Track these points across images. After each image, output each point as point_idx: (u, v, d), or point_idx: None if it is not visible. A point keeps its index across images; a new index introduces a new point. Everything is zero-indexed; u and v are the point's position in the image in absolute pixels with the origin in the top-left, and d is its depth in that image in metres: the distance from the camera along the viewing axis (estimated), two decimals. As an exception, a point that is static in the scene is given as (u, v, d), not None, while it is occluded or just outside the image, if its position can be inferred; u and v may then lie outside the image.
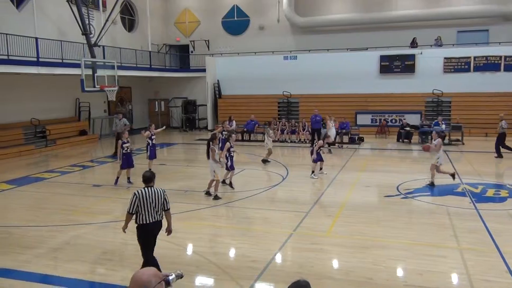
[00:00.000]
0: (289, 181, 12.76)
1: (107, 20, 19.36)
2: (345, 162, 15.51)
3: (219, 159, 11.11)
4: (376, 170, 14.32)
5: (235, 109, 24.99)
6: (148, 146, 13.51)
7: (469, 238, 7.76)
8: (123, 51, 22.69)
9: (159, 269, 5.98)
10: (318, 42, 26.30)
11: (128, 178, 12.47)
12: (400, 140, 20.37)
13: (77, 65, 17.26)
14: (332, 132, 18.04)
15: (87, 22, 18.39)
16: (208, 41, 29.19)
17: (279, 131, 21.39)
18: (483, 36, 24.44)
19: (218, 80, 27.32)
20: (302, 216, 9.09)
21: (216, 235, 8.19)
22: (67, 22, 19.91)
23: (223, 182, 11.63)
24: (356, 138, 20.63)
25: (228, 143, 11.45)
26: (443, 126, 19.40)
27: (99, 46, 19.52)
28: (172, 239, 7.85)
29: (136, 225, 5.92)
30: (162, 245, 7.61)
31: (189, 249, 7.62)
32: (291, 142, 20.98)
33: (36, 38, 17.56)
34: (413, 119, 21.63)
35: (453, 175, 11.59)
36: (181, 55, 30.14)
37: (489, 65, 22.61)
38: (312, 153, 13.36)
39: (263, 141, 19.53)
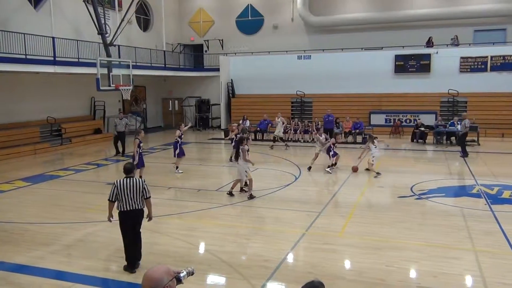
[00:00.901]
0: (301, 180, 12.72)
1: (122, 20, 19.51)
2: (358, 163, 15.37)
3: None
4: (390, 171, 14.17)
5: (248, 108, 25.01)
6: (178, 145, 13.70)
7: (484, 240, 7.64)
8: (138, 50, 22.88)
9: (135, 258, 6.38)
10: (333, 41, 26.18)
11: (140, 177, 12.54)
12: (415, 141, 20.15)
13: (93, 64, 17.45)
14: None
15: (103, 21, 18.56)
16: (222, 40, 29.27)
17: (292, 130, 21.35)
18: (500, 35, 24.07)
19: (231, 80, 27.37)
20: (315, 216, 9.05)
21: (228, 234, 8.20)
22: (83, 22, 20.14)
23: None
24: (370, 138, 20.44)
25: (246, 146, 11.16)
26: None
27: (114, 45, 19.69)
28: (184, 238, 7.92)
29: (118, 211, 6.43)
30: (175, 243, 7.68)
31: (201, 248, 7.64)
32: (304, 142, 20.91)
33: (53, 38, 17.81)
34: (428, 119, 21.38)
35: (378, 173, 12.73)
36: (195, 55, 30.27)
37: (506, 64, 22.24)
38: (327, 152, 13.53)
39: (276, 140, 19.58)
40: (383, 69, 23.98)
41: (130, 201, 6.34)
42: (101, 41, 18.63)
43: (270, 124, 22.17)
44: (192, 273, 2.76)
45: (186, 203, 10.37)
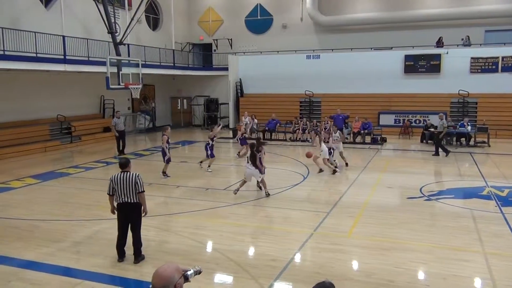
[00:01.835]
0: (310, 180, 12.70)
1: (132, 19, 19.61)
2: (367, 163, 15.34)
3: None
4: (399, 171, 14.12)
5: (256, 107, 24.99)
6: (208, 146, 13.79)
7: (495, 242, 7.57)
8: (147, 49, 22.98)
9: (123, 250, 6.63)
10: (342, 41, 26.09)
11: (164, 172, 12.86)
12: (424, 141, 20.02)
13: (103, 63, 17.55)
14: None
15: (112, 20, 18.67)
16: (231, 40, 29.29)
17: (300, 130, 21.32)
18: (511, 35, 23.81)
19: (240, 79, 27.39)
20: (323, 216, 9.03)
21: (236, 233, 8.21)
22: (93, 21, 20.27)
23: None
24: (379, 138, 20.37)
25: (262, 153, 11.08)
26: (469, 128, 19.01)
27: (124, 44, 19.80)
28: (193, 236, 7.94)
29: (115, 204, 6.80)
30: (184, 241, 7.71)
31: (210, 246, 7.66)
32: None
33: (63, 37, 17.95)
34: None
35: (334, 171, 13.12)
36: (204, 54, 30.33)
37: (518, 65, 22.01)
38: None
39: (284, 140, 19.54)
40: (392, 69, 23.85)
41: (122, 195, 6.62)
42: (111, 40, 18.74)
43: (278, 124, 22.17)
44: (200, 272, 2.79)
45: (195, 202, 10.40)
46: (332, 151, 13.75)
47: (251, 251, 7.44)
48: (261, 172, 10.71)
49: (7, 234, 8.13)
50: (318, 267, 6.58)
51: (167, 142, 12.73)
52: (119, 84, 17.05)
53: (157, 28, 28.03)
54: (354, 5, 26.60)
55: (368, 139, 20.34)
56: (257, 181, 10.99)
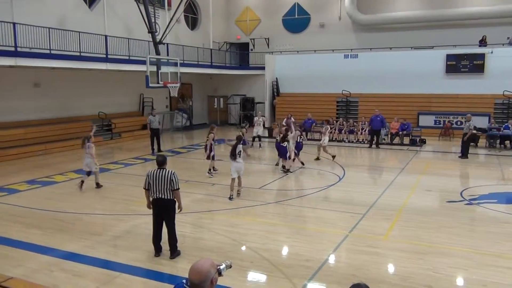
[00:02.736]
0: (345, 181, 12.54)
1: (171, 19, 19.97)
2: (405, 165, 15.00)
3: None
4: (438, 174, 13.72)
5: (292, 107, 24.89)
6: (280, 145, 14.10)
7: (540, 250, 7.24)
8: (185, 48, 23.35)
9: (159, 245, 6.77)
10: (381, 40, 25.63)
11: (213, 168, 13.31)
12: (466, 144, 19.34)
13: (143, 62, 17.98)
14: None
15: (153, 20, 19.08)
16: (268, 39, 29.33)
17: (337, 130, 21.10)
18: (561, 34, 22.68)
19: (276, 78, 27.37)
20: (358, 218, 8.91)
21: (270, 232, 8.22)
22: (135, 21, 20.78)
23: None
24: (418, 140, 19.86)
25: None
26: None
27: (163, 43, 20.21)
28: (227, 234, 8.01)
29: (151, 199, 6.94)
30: (218, 239, 7.79)
31: (244, 245, 7.70)
32: (349, 142, 20.60)
33: (106, 36, 18.50)
34: (481, 122, 20.46)
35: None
36: (241, 53, 30.50)
37: None
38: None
39: (320, 139, 19.37)
40: (433, 69, 23.20)
41: (157, 191, 6.75)
42: (150, 40, 19.17)
43: (314, 124, 22.01)
44: (230, 266, 2.87)
45: (229, 200, 10.47)
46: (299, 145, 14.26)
47: (285, 250, 7.44)
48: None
49: (50, 226, 8.47)
50: (353, 269, 6.50)
51: (213, 140, 13.06)
52: (158, 83, 17.41)
53: (195, 27, 28.43)
54: (393, 3, 26.04)
55: (406, 140, 19.87)
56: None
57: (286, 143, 13.33)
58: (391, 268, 6.65)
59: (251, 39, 29.90)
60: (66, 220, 8.87)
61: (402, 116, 20.87)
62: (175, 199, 6.86)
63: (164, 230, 6.95)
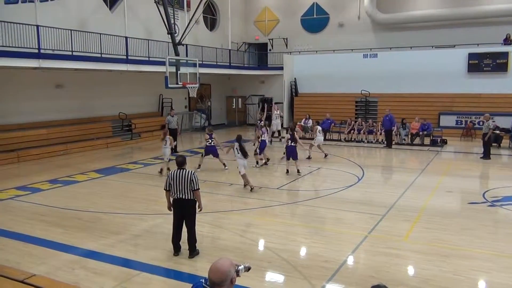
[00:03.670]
0: (364, 182, 12.42)
1: (190, 20, 20.11)
2: (425, 165, 14.79)
3: None
4: (460, 175, 13.48)
5: (311, 107, 24.81)
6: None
7: None
8: (204, 49, 23.49)
9: (178, 244, 6.85)
10: (401, 39, 25.32)
11: (262, 160, 14.62)
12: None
13: (162, 63, 18.16)
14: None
15: (172, 22, 19.24)
16: (286, 39, 29.27)
17: (356, 130, 20.92)
18: None
19: (295, 78, 27.30)
20: (378, 219, 8.81)
21: (289, 232, 8.20)
22: (154, 22, 21.01)
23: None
24: (439, 140, 19.55)
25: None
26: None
27: (182, 44, 20.37)
28: (245, 234, 8.03)
29: (171, 199, 7.04)
30: (236, 239, 7.81)
31: (261, 245, 7.71)
32: (368, 142, 20.40)
33: (126, 38, 18.74)
34: (504, 122, 20.01)
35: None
36: (259, 53, 30.53)
37: None
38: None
39: (339, 140, 19.27)
40: (455, 68, 22.81)
41: (178, 191, 6.81)
42: (170, 41, 19.33)
43: (333, 124, 21.88)
44: (249, 269, 2.87)
45: (248, 200, 10.50)
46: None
47: (303, 251, 7.41)
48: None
49: (72, 225, 8.62)
50: (372, 271, 6.43)
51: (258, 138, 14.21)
52: (177, 83, 17.55)
53: (214, 28, 28.57)
54: (414, 1, 25.68)
55: (427, 140, 19.58)
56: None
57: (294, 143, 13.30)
58: (411, 270, 6.56)
59: (269, 39, 29.89)
60: (87, 219, 9.02)
61: (423, 116, 20.57)
62: (195, 199, 6.91)
63: (184, 229, 7.00)
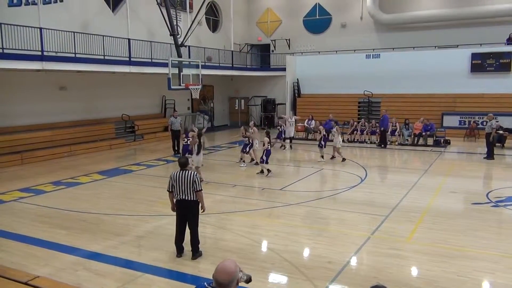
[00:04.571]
0: (367, 183, 12.40)
1: (193, 21, 20.12)
2: (428, 166, 14.75)
3: None
4: (463, 175, 13.44)
5: (314, 108, 24.80)
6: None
7: None
8: (207, 50, 23.52)
9: (181, 246, 6.83)
10: (403, 39, 25.27)
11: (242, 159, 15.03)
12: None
13: (165, 65, 18.19)
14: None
15: (175, 23, 19.26)
16: (289, 40, 29.28)
17: (359, 131, 20.90)
18: None
19: (297, 79, 27.30)
20: (381, 220, 8.80)
21: (291, 233, 8.19)
22: (157, 24, 21.05)
23: None
24: (442, 140, 19.50)
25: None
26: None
27: (185, 46, 20.37)
28: (248, 235, 8.03)
29: (174, 200, 7.04)
30: (239, 240, 7.81)
31: (264, 246, 7.70)
32: (371, 143, 20.37)
33: (129, 39, 18.78)
34: (508, 122, 19.97)
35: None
36: (262, 54, 30.53)
37: None
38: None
39: (341, 140, 19.22)
40: (458, 68, 22.76)
41: (180, 192, 6.83)
42: (172, 42, 19.35)
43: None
44: (249, 281, 2.82)
45: (251, 201, 10.50)
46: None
47: (306, 252, 7.40)
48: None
49: (75, 226, 8.64)
50: (375, 272, 6.42)
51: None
52: (180, 85, 17.56)
53: (216, 29, 28.60)
54: (417, 1, 25.64)
55: (430, 141, 19.52)
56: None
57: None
58: (414, 271, 6.55)
59: (272, 40, 29.90)
60: (90, 220, 9.04)
61: (426, 116, 20.54)
62: (198, 200, 6.92)
63: (187, 231, 7.00)
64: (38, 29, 15.04)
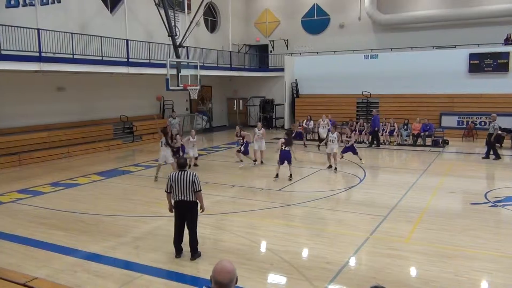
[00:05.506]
0: (366, 183, 12.42)
1: (191, 22, 20.14)
2: (427, 166, 14.77)
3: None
4: (462, 175, 13.46)
5: (312, 108, 24.80)
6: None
7: None
8: (205, 51, 23.52)
9: (179, 246, 6.82)
10: (402, 40, 25.32)
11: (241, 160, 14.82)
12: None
13: (163, 65, 18.18)
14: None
15: (173, 24, 19.27)
16: (287, 40, 29.30)
17: (357, 132, 20.90)
18: None
19: (296, 80, 27.31)
20: (380, 220, 8.80)
21: (290, 234, 8.19)
22: (155, 25, 21.04)
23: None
24: (440, 140, 19.53)
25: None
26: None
27: (183, 47, 20.38)
28: (247, 236, 8.02)
29: (173, 201, 7.03)
30: (238, 240, 7.80)
31: (263, 246, 7.70)
32: (369, 143, 20.35)
33: (127, 40, 18.78)
34: (506, 122, 19.97)
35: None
36: (260, 55, 30.54)
37: None
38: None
39: (340, 141, 19.22)
40: (456, 68, 22.80)
41: (180, 193, 6.82)
42: (171, 43, 19.36)
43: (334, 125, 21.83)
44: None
45: (249, 202, 10.50)
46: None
47: (305, 252, 7.40)
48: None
49: (74, 227, 8.62)
50: (374, 272, 6.42)
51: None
52: (178, 86, 17.57)
53: (215, 30, 28.61)
54: (414, 2, 25.69)
55: (428, 141, 19.55)
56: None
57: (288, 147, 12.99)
58: (413, 271, 6.55)
59: (270, 40, 29.92)
60: (89, 221, 9.02)
61: (424, 116, 20.58)
62: (197, 201, 6.91)
63: (186, 231, 7.00)
64: (36, 30, 15.02)
